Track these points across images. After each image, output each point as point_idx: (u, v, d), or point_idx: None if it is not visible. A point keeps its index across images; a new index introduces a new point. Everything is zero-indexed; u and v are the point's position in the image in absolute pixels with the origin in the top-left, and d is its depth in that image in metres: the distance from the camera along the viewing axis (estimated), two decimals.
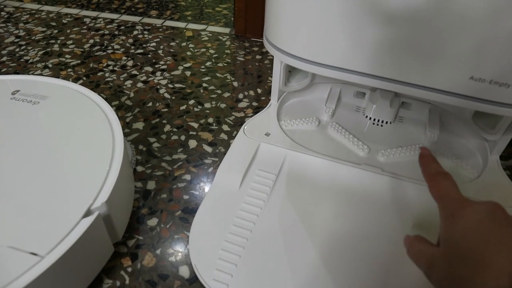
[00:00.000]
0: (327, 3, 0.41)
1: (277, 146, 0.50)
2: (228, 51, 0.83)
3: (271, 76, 0.54)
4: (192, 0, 1.09)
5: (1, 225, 0.36)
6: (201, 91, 0.70)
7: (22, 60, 0.79)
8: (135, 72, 0.75)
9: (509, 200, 0.46)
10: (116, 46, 0.84)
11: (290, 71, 0.58)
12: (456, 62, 0.39)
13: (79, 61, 0.79)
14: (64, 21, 0.95)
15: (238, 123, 0.62)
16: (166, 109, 0.65)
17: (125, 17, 0.98)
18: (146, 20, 0.97)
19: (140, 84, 0.72)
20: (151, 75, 0.74)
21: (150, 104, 0.67)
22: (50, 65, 0.78)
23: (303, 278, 0.38)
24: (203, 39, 0.88)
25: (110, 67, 0.77)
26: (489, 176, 0.49)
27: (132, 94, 0.69)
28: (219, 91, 0.70)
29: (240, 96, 0.69)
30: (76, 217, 0.36)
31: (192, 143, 0.58)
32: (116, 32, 0.90)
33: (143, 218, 0.48)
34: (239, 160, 0.49)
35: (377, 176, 0.48)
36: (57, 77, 0.74)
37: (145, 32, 0.90)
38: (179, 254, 0.44)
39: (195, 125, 0.62)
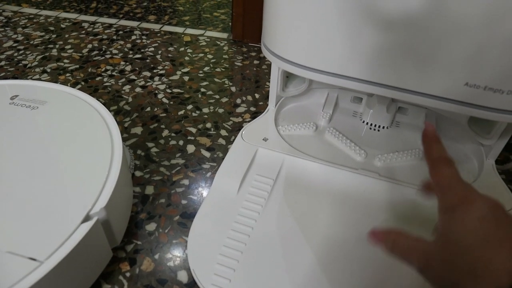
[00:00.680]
0: (324, 10, 0.41)
1: (275, 151, 0.51)
2: (226, 56, 0.84)
3: (269, 81, 0.55)
4: (190, 5, 1.09)
5: (0, 230, 0.36)
6: (199, 96, 0.70)
7: (21, 64, 0.80)
8: (133, 77, 0.76)
9: (504, 203, 0.46)
10: (115, 51, 0.85)
11: (288, 77, 0.59)
12: (451, 69, 0.40)
13: (77, 66, 0.79)
14: (63, 26, 0.96)
15: (236, 128, 0.63)
16: (164, 114, 0.66)
17: (123, 22, 0.98)
18: (144, 25, 0.97)
19: (138, 89, 0.72)
20: (149, 80, 0.75)
21: (148, 109, 0.67)
22: (49, 70, 0.78)
23: (301, 282, 0.38)
24: (201, 44, 0.89)
25: (109, 72, 0.77)
26: (485, 180, 0.50)
27: (130, 99, 0.69)
28: (217, 96, 0.70)
29: (238, 101, 0.69)
30: (75, 222, 0.36)
31: (190, 148, 0.59)
32: (115, 37, 0.91)
33: (141, 223, 0.48)
34: (237, 165, 0.49)
35: (374, 181, 0.48)
36: (56, 82, 0.74)
37: (144, 37, 0.91)
38: (178, 259, 0.44)
39: (193, 130, 0.62)
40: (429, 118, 0.57)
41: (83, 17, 1.01)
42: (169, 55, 0.84)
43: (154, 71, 0.78)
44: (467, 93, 0.40)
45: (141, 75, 0.76)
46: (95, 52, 0.84)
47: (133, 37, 0.91)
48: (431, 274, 0.28)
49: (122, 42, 0.88)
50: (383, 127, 0.57)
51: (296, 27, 0.45)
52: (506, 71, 0.38)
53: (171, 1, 1.11)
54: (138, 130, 0.62)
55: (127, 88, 0.72)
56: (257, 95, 0.71)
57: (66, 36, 0.91)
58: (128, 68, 0.79)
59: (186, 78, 0.76)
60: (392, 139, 0.56)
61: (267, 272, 0.39)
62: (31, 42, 0.88)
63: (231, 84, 0.74)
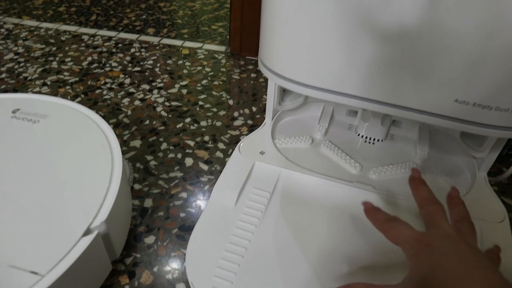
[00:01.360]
0: (320, 28, 0.43)
1: (272, 164, 0.52)
2: (223, 69, 0.85)
3: (266, 94, 0.56)
4: (189, 18, 1.11)
5: (1, 244, 0.37)
6: (197, 109, 0.72)
7: (21, 77, 0.81)
8: (132, 90, 0.77)
9: (495, 215, 0.47)
10: (114, 64, 0.86)
11: (284, 91, 0.60)
12: (442, 85, 0.41)
13: (77, 79, 0.80)
14: (63, 38, 0.97)
15: (234, 141, 0.64)
16: (163, 127, 0.67)
17: (122, 35, 1.00)
18: (144, 38, 0.99)
19: (137, 102, 0.73)
20: (148, 93, 0.76)
21: (147, 122, 0.68)
22: (49, 82, 0.79)
23: None
24: (199, 57, 0.90)
25: (108, 85, 0.78)
26: (478, 192, 0.51)
27: (129, 112, 0.70)
28: (215, 109, 0.72)
29: (236, 114, 0.70)
30: (76, 236, 0.37)
31: (189, 161, 0.60)
32: (114, 50, 0.92)
33: (140, 236, 0.48)
34: (234, 179, 0.50)
35: (369, 194, 0.49)
36: (56, 94, 0.75)
37: (143, 50, 0.92)
38: (176, 271, 0.45)
39: (191, 143, 0.63)
40: (422, 131, 0.59)
41: (83, 30, 1.02)
42: (168, 68, 0.85)
43: (153, 84, 0.79)
44: (457, 109, 0.41)
45: (140, 88, 0.77)
46: (94, 65, 0.86)
47: (132, 50, 0.92)
48: None
49: (121, 55, 0.90)
50: (378, 140, 0.58)
51: (292, 44, 0.46)
52: (493, 88, 0.39)
53: (169, 14, 1.13)
54: (137, 143, 0.63)
55: (126, 101, 0.74)
56: (254, 108, 0.72)
57: (66, 48, 0.92)
58: (127, 81, 0.80)
59: (184, 91, 0.77)
60: (387, 152, 0.57)
61: (265, 284, 0.40)
62: (32, 55, 0.89)
63: (228, 97, 0.76)
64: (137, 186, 0.55)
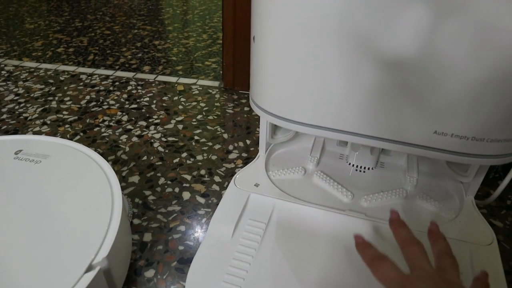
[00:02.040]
0: (308, 68, 0.46)
1: (266, 196, 0.54)
2: (217, 104, 0.88)
3: (259, 127, 0.58)
4: (183, 55, 1.15)
5: (5, 281, 0.38)
6: (193, 143, 0.74)
7: (22, 117, 0.83)
8: (130, 126, 0.79)
9: (484, 238, 0.49)
10: (111, 102, 0.89)
11: (276, 125, 0.62)
12: (422, 118, 0.44)
13: (76, 117, 0.83)
14: (62, 78, 1.00)
15: (229, 174, 0.66)
16: (160, 162, 0.69)
17: (119, 73, 1.03)
18: (140, 75, 1.02)
19: (135, 138, 0.75)
20: (145, 129, 0.78)
21: (145, 157, 0.70)
22: (49, 122, 0.81)
23: None
24: (193, 92, 0.93)
25: (106, 122, 0.81)
26: (466, 216, 0.52)
27: (127, 149, 0.73)
28: (210, 143, 0.74)
29: (230, 147, 0.73)
30: (78, 273, 0.38)
31: (186, 195, 0.61)
32: (111, 88, 0.95)
33: (140, 270, 0.50)
34: (230, 211, 0.52)
35: (361, 221, 0.51)
36: (55, 133, 0.77)
37: (139, 87, 0.95)
38: None
39: (188, 177, 0.65)
40: (410, 159, 0.61)
41: (81, 69, 1.06)
42: (164, 104, 0.88)
43: (150, 120, 0.82)
44: (437, 140, 0.44)
45: (137, 125, 0.80)
46: (93, 103, 0.88)
47: (129, 88, 0.95)
48: None
49: (118, 93, 0.93)
50: (369, 168, 0.61)
51: (282, 83, 0.49)
52: (469, 120, 0.42)
53: (164, 51, 1.17)
54: (135, 178, 0.65)
55: (124, 137, 0.76)
56: (248, 141, 0.75)
57: (65, 88, 0.95)
58: (125, 118, 0.82)
59: (180, 126, 0.79)
60: (377, 179, 0.59)
61: None
62: (32, 95, 0.92)
63: (223, 131, 0.78)
64: (136, 221, 0.57)
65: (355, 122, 0.48)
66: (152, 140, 0.75)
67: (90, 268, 0.39)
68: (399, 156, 0.62)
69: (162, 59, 1.12)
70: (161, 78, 1.01)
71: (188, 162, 0.69)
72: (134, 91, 0.93)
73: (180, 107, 0.87)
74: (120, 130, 0.78)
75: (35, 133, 0.78)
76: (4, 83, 0.98)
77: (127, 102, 0.89)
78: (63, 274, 0.38)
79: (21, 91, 0.94)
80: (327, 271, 0.46)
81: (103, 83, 0.98)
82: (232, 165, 0.68)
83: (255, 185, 0.55)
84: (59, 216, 0.45)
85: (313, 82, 0.46)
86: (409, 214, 0.53)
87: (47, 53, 1.15)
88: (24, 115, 0.84)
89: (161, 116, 0.83)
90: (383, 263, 0.36)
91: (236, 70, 0.92)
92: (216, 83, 0.98)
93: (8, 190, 0.49)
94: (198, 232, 0.55)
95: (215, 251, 0.48)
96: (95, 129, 0.79)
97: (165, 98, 0.91)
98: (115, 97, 0.91)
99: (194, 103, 0.88)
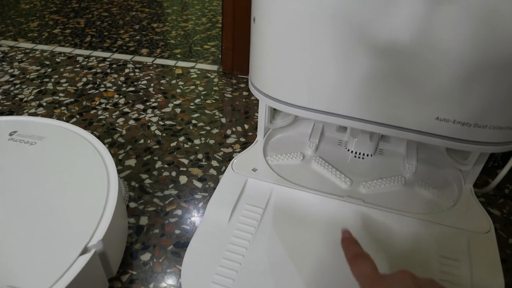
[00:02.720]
0: (308, 50, 0.45)
1: (264, 181, 0.53)
2: (216, 88, 0.87)
3: (258, 112, 0.58)
4: (181, 38, 1.13)
5: None
6: (191, 127, 0.73)
7: (17, 98, 0.82)
8: (127, 109, 0.78)
9: (481, 226, 0.48)
10: (108, 84, 0.88)
11: (275, 109, 0.62)
12: (425, 104, 0.43)
13: (72, 100, 0.82)
14: (58, 60, 0.99)
15: (227, 159, 0.65)
16: (157, 146, 0.68)
17: (116, 56, 1.02)
18: (137, 58, 1.01)
19: (132, 122, 0.75)
20: (142, 113, 0.77)
21: (141, 141, 0.69)
22: (44, 104, 0.80)
23: None
24: (192, 76, 0.92)
25: (103, 105, 0.80)
26: (464, 204, 0.52)
27: (124, 132, 0.72)
28: (208, 128, 0.73)
29: (228, 132, 0.72)
30: (73, 255, 0.38)
31: (183, 179, 0.61)
32: (108, 70, 0.94)
33: (136, 253, 0.49)
34: (227, 196, 0.51)
35: (359, 208, 0.51)
36: (51, 115, 0.76)
37: (136, 70, 0.94)
38: (172, 287, 0.46)
39: (185, 161, 0.65)
40: (410, 146, 0.60)
41: (77, 51, 1.04)
42: (161, 87, 0.87)
43: (147, 103, 0.81)
44: (439, 126, 0.43)
45: (135, 108, 0.79)
46: (89, 86, 0.87)
47: (127, 70, 0.94)
48: None
49: (115, 75, 0.92)
50: (367, 155, 0.60)
51: (281, 66, 0.48)
52: (471, 106, 0.41)
53: (163, 34, 1.15)
54: (132, 162, 0.64)
55: (121, 121, 0.75)
56: (246, 126, 0.74)
57: (61, 70, 0.94)
58: (122, 101, 0.81)
59: (178, 110, 0.79)
60: (376, 166, 0.59)
61: None
62: (27, 76, 0.91)
63: (221, 115, 0.77)
64: (132, 205, 0.56)
65: (354, 107, 0.47)
66: (149, 124, 0.74)
67: (85, 250, 0.39)
68: (399, 143, 0.61)
69: (161, 42, 1.10)
70: (159, 61, 0.99)
71: (186, 146, 0.68)
72: (131, 74, 0.92)
73: (178, 90, 0.86)
74: (117, 113, 0.77)
75: (30, 114, 0.77)
76: None
77: (124, 85, 0.87)
78: (57, 256, 0.38)
79: (16, 72, 0.93)
80: (324, 257, 0.45)
81: (100, 65, 0.97)
82: (230, 150, 0.67)
83: (252, 170, 0.55)
84: (53, 198, 0.44)
85: (312, 65, 0.45)
86: (407, 201, 0.53)
87: (43, 34, 1.14)
88: (20, 96, 0.83)
89: (158, 100, 0.82)
90: (362, 260, 0.37)
91: (235, 54, 0.91)
92: (214, 67, 0.97)
93: (1, 171, 0.48)
94: (194, 216, 0.55)
95: (211, 235, 0.48)
96: (92, 112, 0.78)
97: (163, 81, 0.89)
98: (112, 80, 0.90)
99: (192, 87, 0.87)
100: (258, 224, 0.49)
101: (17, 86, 0.87)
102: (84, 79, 0.90)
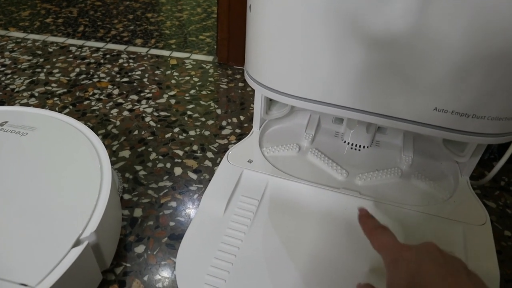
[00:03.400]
0: (304, 39, 0.44)
1: (260, 172, 0.53)
2: (211, 79, 0.86)
3: (253, 103, 0.57)
4: (176, 28, 1.12)
5: None
6: (186, 119, 0.72)
7: (8, 89, 0.81)
8: (121, 100, 0.77)
9: (477, 218, 0.48)
10: (102, 75, 0.86)
11: (271, 100, 0.61)
12: (422, 94, 0.42)
13: (65, 90, 0.81)
14: (50, 50, 0.97)
15: (222, 150, 0.65)
16: (151, 137, 0.67)
17: (110, 46, 1.00)
18: (131, 48, 0.99)
19: (126, 113, 0.74)
20: (136, 104, 0.76)
21: (136, 132, 0.68)
22: (37, 94, 0.79)
23: None
24: (187, 67, 0.91)
25: (96, 96, 0.79)
26: (460, 196, 0.52)
27: (118, 123, 0.71)
28: (203, 119, 0.72)
29: (224, 123, 0.71)
30: (66, 247, 0.37)
31: (178, 171, 0.60)
32: (102, 61, 0.92)
33: (130, 246, 0.49)
34: (223, 187, 0.51)
35: (355, 199, 0.50)
36: (44, 106, 0.75)
37: (131, 61, 0.93)
38: (166, 280, 0.45)
39: (180, 152, 0.64)
40: (407, 138, 0.60)
41: (70, 41, 1.02)
42: (156, 78, 0.86)
43: (141, 94, 0.80)
44: (437, 117, 0.43)
45: (129, 99, 0.78)
46: (82, 76, 0.86)
47: (120, 61, 0.93)
48: None
49: (109, 66, 0.90)
50: (364, 147, 0.60)
51: (278, 55, 0.47)
52: (470, 97, 0.41)
53: (157, 24, 1.14)
54: (126, 153, 0.64)
55: (114, 111, 0.74)
56: (242, 117, 0.73)
57: (54, 60, 0.93)
58: (116, 91, 0.80)
59: (172, 101, 0.78)
60: (372, 158, 0.58)
61: None
62: (19, 66, 0.89)
63: (216, 106, 0.76)
64: (126, 196, 0.56)
65: (350, 97, 0.46)
66: (143, 115, 0.73)
67: (78, 242, 0.38)
68: (395, 135, 0.61)
69: (155, 32, 1.09)
70: (154, 51, 0.98)
71: (180, 137, 0.67)
72: (125, 64, 0.91)
73: (173, 81, 0.85)
74: (110, 103, 0.76)
75: (22, 105, 0.75)
76: None
77: (118, 76, 0.86)
78: (50, 248, 0.37)
79: (7, 62, 0.91)
80: (320, 249, 0.45)
81: (93, 55, 0.95)
82: (225, 141, 0.67)
83: (248, 161, 0.54)
84: (45, 190, 0.44)
85: (308, 54, 0.45)
86: (404, 193, 0.52)
87: (35, 23, 1.12)
88: (11, 86, 0.81)
89: (153, 90, 0.81)
90: (382, 232, 0.36)
91: (230, 44, 0.89)
92: (210, 58, 0.95)
93: None
94: (189, 208, 0.54)
95: (206, 227, 0.47)
96: (85, 103, 0.77)
97: (157, 72, 0.88)
98: (106, 70, 0.88)
99: (187, 78, 0.86)
100: (253, 216, 0.48)
101: (8, 76, 0.85)
102: (77, 70, 0.88)
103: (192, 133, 0.69)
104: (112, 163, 0.61)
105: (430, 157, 0.59)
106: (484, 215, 0.49)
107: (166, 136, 0.68)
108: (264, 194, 0.51)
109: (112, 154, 0.63)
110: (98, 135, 0.54)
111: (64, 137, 0.52)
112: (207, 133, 0.69)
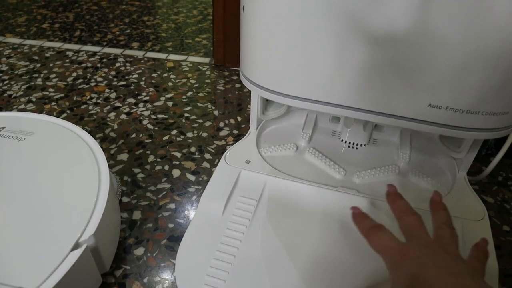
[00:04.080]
0: (299, 40, 0.44)
1: (257, 172, 0.53)
2: (208, 81, 0.86)
3: (250, 104, 0.57)
4: (173, 31, 1.12)
5: None
6: (183, 121, 0.72)
7: (6, 94, 0.81)
8: (118, 104, 0.78)
9: (475, 213, 0.49)
10: (99, 79, 0.87)
11: (268, 100, 0.61)
12: (417, 91, 0.43)
13: (62, 95, 0.81)
14: (47, 55, 0.97)
15: (220, 151, 0.65)
16: (149, 140, 0.67)
17: (107, 50, 1.00)
18: (128, 52, 0.99)
19: (123, 116, 0.74)
20: (134, 107, 0.77)
21: (133, 135, 0.68)
22: (34, 99, 0.79)
23: None
24: (183, 69, 0.91)
25: (94, 100, 0.79)
26: (458, 192, 0.52)
27: (115, 126, 0.71)
28: (200, 121, 0.73)
29: (221, 124, 0.71)
30: (64, 251, 0.37)
31: (176, 173, 0.60)
32: (99, 65, 0.93)
33: (129, 248, 0.49)
34: (221, 188, 0.51)
35: (353, 198, 0.50)
36: (41, 111, 0.75)
37: (127, 64, 0.93)
38: (166, 282, 0.45)
39: (178, 154, 0.64)
40: (403, 135, 0.60)
41: (67, 46, 1.02)
42: (153, 81, 0.86)
43: (139, 97, 0.80)
44: (432, 113, 0.43)
45: (126, 102, 0.78)
46: (80, 80, 0.86)
47: (117, 65, 0.93)
48: None
49: (106, 70, 0.90)
50: (361, 145, 0.60)
51: (272, 56, 0.47)
52: (463, 92, 0.41)
53: (153, 27, 1.14)
54: (124, 156, 0.64)
55: (112, 115, 0.74)
56: (239, 118, 0.73)
57: (51, 65, 0.93)
58: (113, 95, 0.80)
59: (170, 103, 0.78)
60: (370, 156, 0.59)
61: None
62: (16, 72, 0.89)
63: (214, 108, 0.77)
64: (125, 199, 0.56)
65: (348, 95, 0.46)
66: (141, 118, 0.73)
67: (76, 245, 0.38)
68: (392, 133, 0.61)
69: (151, 35, 1.09)
70: (150, 54, 0.98)
71: (178, 139, 0.68)
72: (122, 68, 0.91)
73: (170, 84, 0.85)
74: (108, 107, 0.76)
75: (20, 110, 0.75)
76: None
77: (115, 79, 0.86)
78: (49, 251, 0.37)
79: (4, 68, 0.91)
80: (318, 248, 0.45)
81: (90, 59, 0.95)
82: (223, 142, 0.67)
83: (246, 162, 0.54)
84: (43, 194, 0.44)
85: (304, 54, 0.45)
86: (402, 190, 0.52)
87: (31, 29, 1.12)
88: (8, 92, 0.82)
89: (150, 93, 0.81)
90: (379, 232, 0.35)
91: (227, 46, 0.90)
92: (206, 60, 0.96)
93: None
94: (188, 209, 0.54)
95: (205, 228, 0.47)
96: (83, 107, 0.77)
97: (154, 75, 0.88)
98: (103, 74, 0.88)
99: (184, 80, 0.86)
100: (252, 216, 0.48)
101: (5, 82, 0.85)
102: (74, 74, 0.89)
103: (189, 135, 0.69)
104: (111, 166, 0.61)
105: (427, 153, 0.59)
106: (482, 210, 0.49)
107: (164, 138, 0.68)
108: (262, 194, 0.51)
109: (110, 157, 0.63)
110: (96, 139, 0.54)
111: (62, 142, 0.52)
112: (204, 134, 0.69)
